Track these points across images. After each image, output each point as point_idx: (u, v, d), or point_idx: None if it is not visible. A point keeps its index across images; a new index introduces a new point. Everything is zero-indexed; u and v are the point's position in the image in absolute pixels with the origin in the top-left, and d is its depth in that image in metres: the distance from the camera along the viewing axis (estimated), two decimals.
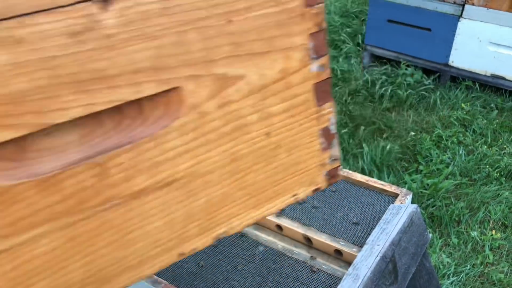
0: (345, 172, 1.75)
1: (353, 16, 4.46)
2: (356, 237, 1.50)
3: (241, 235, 1.52)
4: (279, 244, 1.49)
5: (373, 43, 3.65)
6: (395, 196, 1.64)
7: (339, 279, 1.35)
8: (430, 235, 2.30)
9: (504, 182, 2.61)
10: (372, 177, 2.63)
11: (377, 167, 2.71)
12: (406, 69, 3.48)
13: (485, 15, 3.09)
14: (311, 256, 1.45)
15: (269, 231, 1.58)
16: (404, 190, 1.65)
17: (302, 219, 1.58)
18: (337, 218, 1.57)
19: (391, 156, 2.81)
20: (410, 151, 2.87)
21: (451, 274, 2.10)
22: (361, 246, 1.44)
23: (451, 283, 2.05)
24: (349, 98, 3.41)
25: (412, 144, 2.91)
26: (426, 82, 3.39)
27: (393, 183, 2.58)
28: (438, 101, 3.27)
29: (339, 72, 3.65)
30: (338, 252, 1.46)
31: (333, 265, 1.45)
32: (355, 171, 2.68)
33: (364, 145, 2.86)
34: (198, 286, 1.36)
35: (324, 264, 1.42)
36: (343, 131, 3.00)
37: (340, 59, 3.81)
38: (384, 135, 3.02)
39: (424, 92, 3.34)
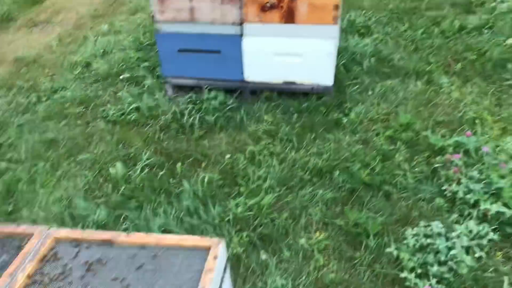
0: (155, 237, 1.65)
1: (149, 48, 4.39)
2: None
3: None
4: None
5: (171, 73, 3.63)
6: (208, 248, 1.61)
7: None
8: (264, 256, 2.35)
9: (316, 182, 2.80)
10: (199, 213, 2.60)
11: (202, 201, 2.68)
12: (209, 93, 3.53)
13: (262, 30, 3.28)
14: None
15: None
16: (216, 239, 1.62)
17: None
18: None
19: (213, 185, 2.81)
20: (229, 175, 2.90)
21: None
22: None
23: None
24: (162, 134, 3.33)
25: (230, 167, 2.96)
26: (230, 102, 3.49)
27: (219, 214, 2.57)
28: (245, 118, 3.38)
29: (146, 110, 3.55)
30: None
31: None
32: (181, 212, 2.61)
33: (184, 181, 2.81)
34: None
35: None
36: (160, 173, 2.91)
37: (145, 96, 3.71)
38: (203, 165, 3.01)
39: (230, 113, 3.42)
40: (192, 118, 3.37)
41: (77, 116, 3.61)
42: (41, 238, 1.68)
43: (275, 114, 3.38)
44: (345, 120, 3.29)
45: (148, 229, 2.51)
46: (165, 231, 2.51)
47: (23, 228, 1.74)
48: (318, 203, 2.65)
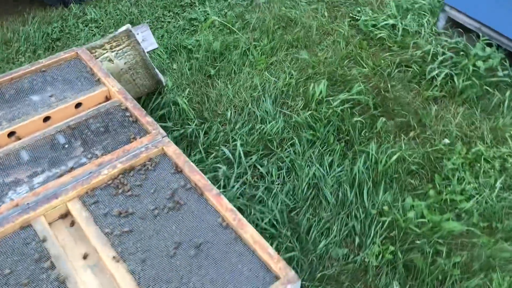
0: (237, 220, 1.31)
1: None
2: None
3: None
4: None
5: (454, 3, 2.80)
6: (276, 277, 1.20)
7: None
8: None
9: None
10: (362, 192, 2.10)
11: (374, 179, 2.14)
12: (483, 49, 2.64)
13: None
14: None
15: None
16: (292, 274, 1.20)
17: None
18: None
19: (403, 166, 2.21)
20: (431, 165, 2.23)
21: None
22: None
23: None
24: (395, 71, 2.72)
25: (439, 156, 2.26)
26: (502, 74, 2.56)
27: (388, 204, 2.04)
28: (508, 104, 2.46)
29: (400, 31, 2.91)
30: None
31: None
32: (345, 178, 2.15)
33: (372, 144, 2.27)
34: None
35: None
36: (355, 118, 2.40)
37: (409, 16, 3.02)
38: (411, 134, 2.38)
39: (488, 88, 2.53)
40: (438, 70, 2.62)
41: None
42: (152, 142, 1.51)
43: None
44: None
45: None
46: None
47: (149, 122, 1.58)
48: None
